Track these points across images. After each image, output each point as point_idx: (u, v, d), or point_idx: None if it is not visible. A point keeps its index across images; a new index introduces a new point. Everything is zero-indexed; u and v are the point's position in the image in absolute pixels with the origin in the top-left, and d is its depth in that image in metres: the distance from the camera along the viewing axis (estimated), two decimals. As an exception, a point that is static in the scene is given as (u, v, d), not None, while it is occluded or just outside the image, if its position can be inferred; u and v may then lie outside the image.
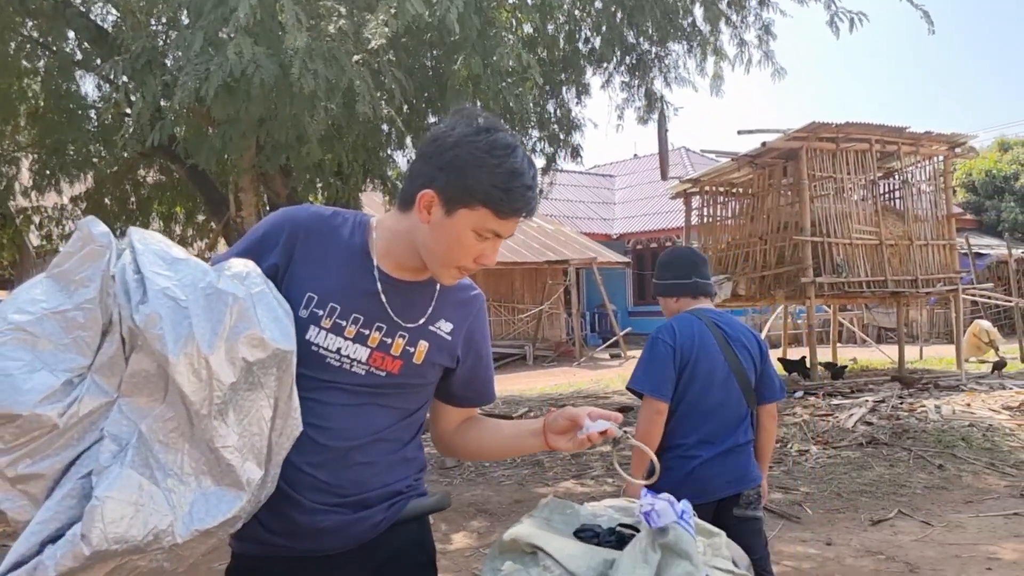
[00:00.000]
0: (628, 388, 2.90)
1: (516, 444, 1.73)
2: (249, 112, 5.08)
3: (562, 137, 8.91)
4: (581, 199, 26.45)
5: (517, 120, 7.01)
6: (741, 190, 13.30)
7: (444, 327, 1.69)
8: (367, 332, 1.61)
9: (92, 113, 8.21)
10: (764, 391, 2.92)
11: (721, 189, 13.46)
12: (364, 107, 4.87)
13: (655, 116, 9.27)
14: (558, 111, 8.73)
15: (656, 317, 23.43)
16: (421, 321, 1.66)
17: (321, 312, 1.58)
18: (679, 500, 1.53)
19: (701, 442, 2.79)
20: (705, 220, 13.66)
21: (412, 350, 1.64)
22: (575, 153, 8.89)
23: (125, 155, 8.78)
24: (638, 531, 1.55)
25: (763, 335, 15.75)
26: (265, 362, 1.36)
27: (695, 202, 14.12)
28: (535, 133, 8.86)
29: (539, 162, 9.13)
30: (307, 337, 1.58)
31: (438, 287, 1.69)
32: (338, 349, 1.59)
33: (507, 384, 13.20)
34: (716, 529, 1.67)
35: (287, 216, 1.65)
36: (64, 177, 8.32)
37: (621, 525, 1.61)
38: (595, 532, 1.59)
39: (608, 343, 19.58)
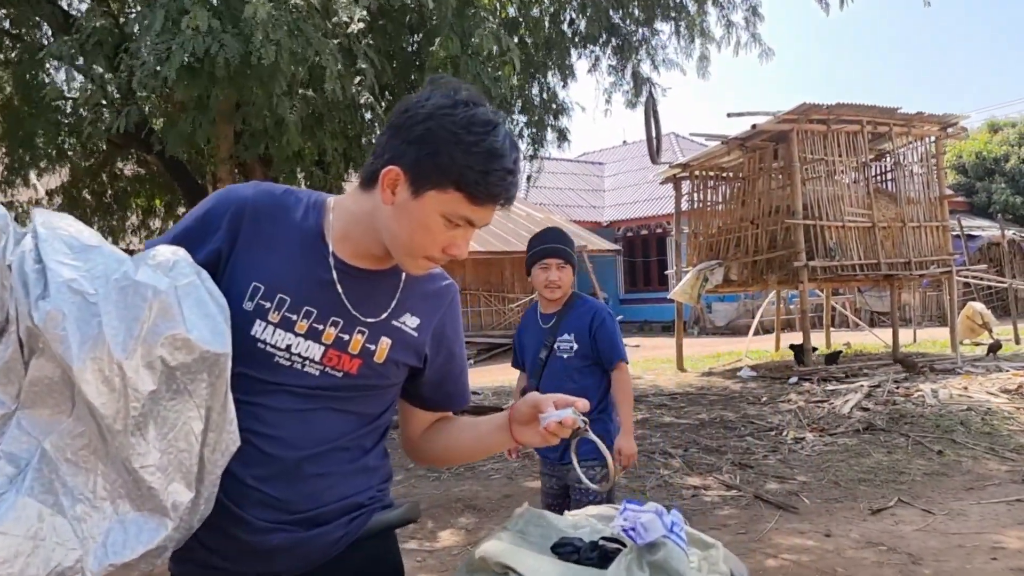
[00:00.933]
0: (619, 361, 3.34)
1: (484, 442, 1.54)
2: (215, 95, 4.86)
3: (548, 121, 8.71)
4: (570, 187, 26.26)
5: (497, 104, 6.81)
6: (731, 174, 13.14)
7: (410, 322, 1.51)
8: (321, 327, 1.42)
9: (61, 103, 7.98)
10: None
11: (711, 173, 13.29)
12: (332, 84, 4.67)
13: (643, 99, 9.09)
14: (543, 94, 8.53)
15: (648, 304, 23.31)
16: (383, 315, 1.48)
17: (268, 304, 1.40)
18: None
19: None
20: (695, 205, 13.49)
21: (373, 348, 1.46)
22: (562, 136, 8.69)
23: (100, 146, 8.55)
24: (623, 545, 1.38)
25: (756, 321, 15.66)
26: (191, 366, 1.18)
27: (685, 187, 13.95)
28: (520, 118, 8.66)
29: (524, 147, 8.94)
30: (252, 333, 1.39)
31: (403, 277, 1.51)
32: (288, 347, 1.41)
33: (498, 375, 13.03)
34: (711, 540, 1.49)
35: (231, 194, 1.46)
36: (34, 170, 8.07)
37: (604, 539, 1.43)
38: (575, 547, 1.41)
39: (600, 331, 19.37)
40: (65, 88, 7.67)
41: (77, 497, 1.13)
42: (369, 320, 1.46)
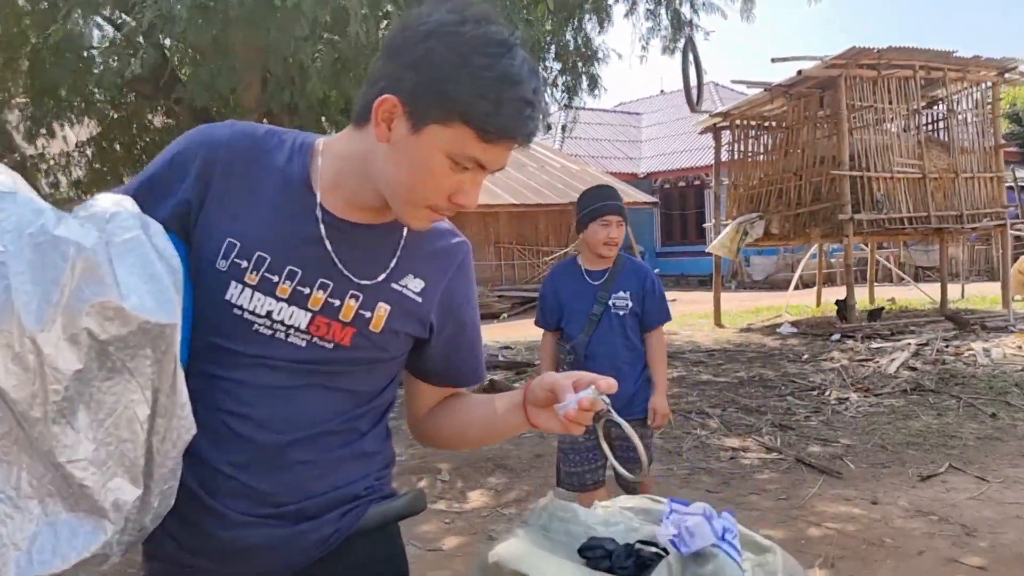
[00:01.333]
0: (662, 324, 3.43)
1: (497, 424, 1.32)
2: (230, 38, 4.62)
3: (583, 68, 8.34)
4: (606, 138, 25.72)
5: (530, 48, 6.48)
6: (774, 123, 12.64)
7: (412, 285, 1.28)
8: (307, 291, 1.21)
9: (86, 54, 7.79)
10: None
11: (753, 122, 12.81)
12: (356, 27, 4.40)
13: (681, 44, 8.67)
14: (577, 39, 8.15)
15: (685, 258, 22.97)
16: (381, 277, 1.25)
17: (245, 264, 1.19)
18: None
19: None
20: (736, 156, 13.03)
21: (368, 315, 1.24)
22: (593, 83, 8.31)
23: (125, 95, 8.38)
24: (664, 551, 1.16)
25: (796, 275, 15.25)
26: (129, 340, 0.96)
27: (725, 137, 13.48)
28: (554, 65, 8.31)
29: (559, 96, 8.60)
30: (227, 297, 1.19)
31: (405, 232, 1.28)
32: (268, 313, 1.19)
33: (532, 329, 12.83)
34: (767, 542, 1.26)
35: (203, 136, 1.24)
36: (57, 122, 7.93)
37: (641, 542, 1.21)
38: (607, 551, 1.19)
39: (635, 285, 19.08)
40: (87, 35, 7.49)
41: (-4, 496, 0.93)
42: (364, 283, 1.24)
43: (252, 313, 1.19)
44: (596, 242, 3.34)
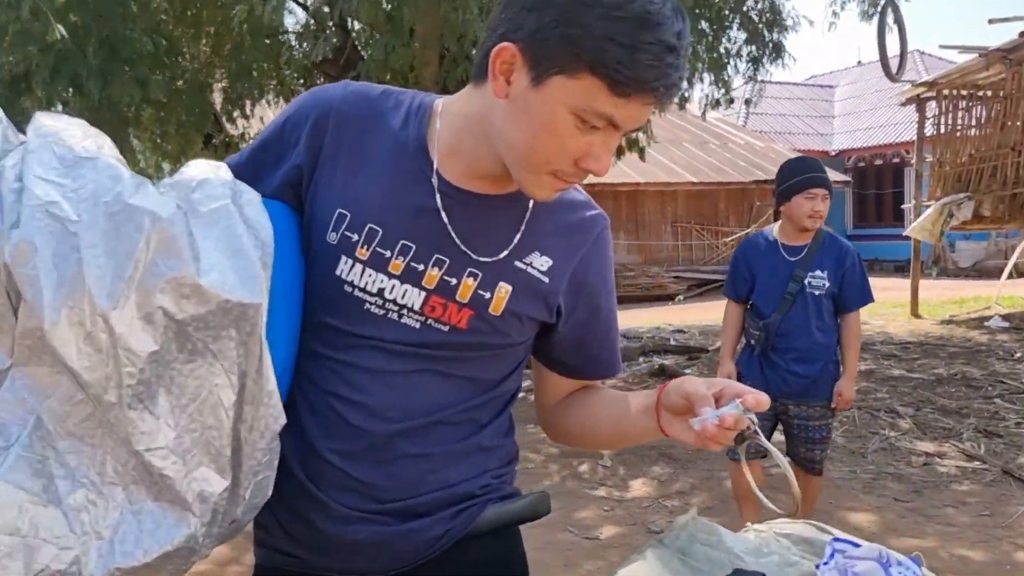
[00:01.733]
0: (860, 306, 3.30)
1: (626, 427, 1.16)
2: (403, 14, 4.63)
3: (769, 37, 7.80)
4: (795, 113, 24.33)
5: (712, 15, 6.12)
6: (989, 93, 11.37)
7: (538, 263, 1.14)
8: (421, 268, 1.10)
9: (282, 38, 8.18)
10: None
11: (964, 92, 11.58)
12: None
13: (880, 6, 7.92)
14: (763, 4, 7.63)
15: (879, 241, 21.42)
16: (502, 254, 1.12)
17: (355, 237, 1.09)
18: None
19: None
20: (942, 130, 11.85)
21: (487, 295, 1.11)
22: (779, 52, 7.74)
23: (312, 76, 8.75)
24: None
25: (1011, 263, 13.76)
26: (208, 319, 0.88)
27: (930, 110, 12.29)
28: (738, 35, 7.84)
29: (743, 68, 8.12)
30: (337, 272, 1.10)
31: (531, 205, 1.14)
32: (380, 291, 1.10)
33: (709, 312, 12.36)
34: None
35: (315, 98, 1.16)
36: (251, 101, 8.41)
37: (799, 581, 1.00)
38: (756, 588, 1.00)
39: (822, 270, 17.96)
40: (279, 18, 7.86)
41: (78, 480, 0.88)
42: (483, 260, 1.11)
43: (363, 291, 1.10)
44: (801, 215, 3.21)
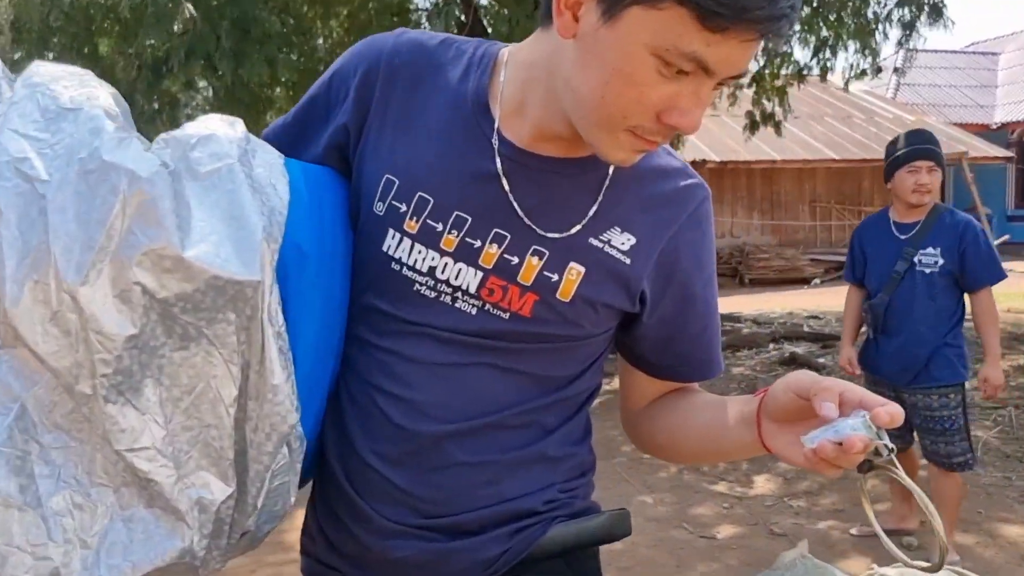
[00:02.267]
0: (989, 285, 3.01)
1: (720, 440, 0.96)
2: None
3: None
4: (951, 83, 22.55)
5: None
6: None
7: (618, 241, 0.96)
8: (477, 244, 0.94)
9: (411, 15, 8.18)
10: None
11: None
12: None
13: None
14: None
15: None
16: (574, 229, 0.95)
17: (404, 207, 0.95)
18: None
19: None
20: None
21: (555, 278, 0.94)
22: (936, 13, 7.06)
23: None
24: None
25: None
26: (196, 299, 0.75)
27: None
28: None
29: (894, 34, 7.48)
30: (384, 248, 0.96)
31: (610, 171, 0.96)
32: (431, 270, 0.95)
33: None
34: None
35: (366, 48, 1.01)
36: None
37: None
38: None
39: (978, 253, 16.60)
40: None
41: (63, 480, 0.77)
42: (551, 235, 0.94)
43: (412, 269, 0.95)
44: (905, 190, 3.08)
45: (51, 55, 7.26)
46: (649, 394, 1.09)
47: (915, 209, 3.11)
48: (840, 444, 0.72)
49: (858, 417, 0.71)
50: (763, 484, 4.47)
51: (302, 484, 1.02)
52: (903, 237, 3.14)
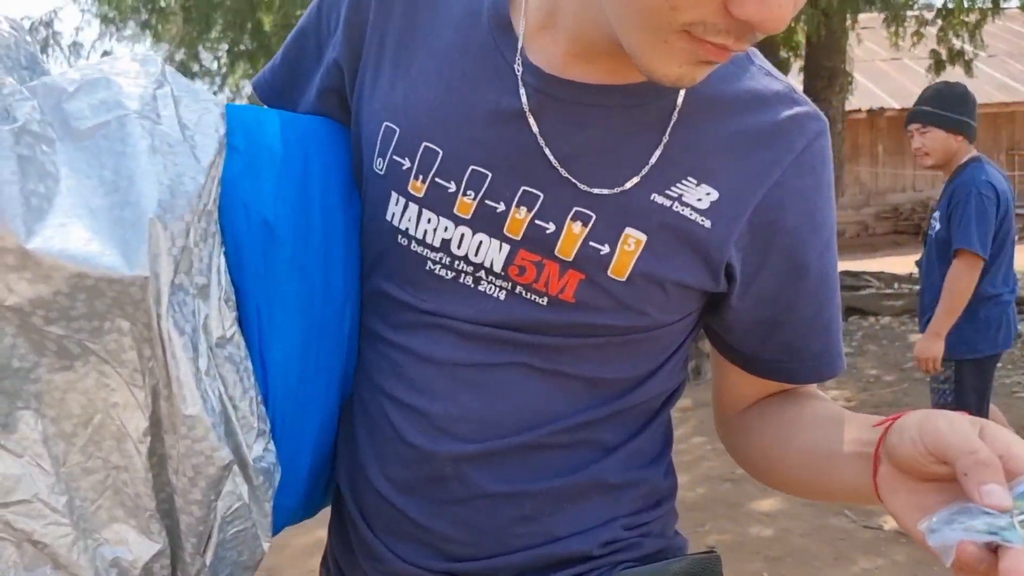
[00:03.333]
0: (960, 248, 2.83)
1: (824, 472, 0.72)
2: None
3: None
4: None
5: None
6: None
7: (694, 197, 0.71)
8: (501, 207, 0.72)
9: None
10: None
11: None
12: None
13: None
14: None
15: None
16: (630, 183, 0.70)
17: (407, 163, 0.74)
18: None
19: (1011, 291, 2.98)
20: None
21: (604, 250, 0.71)
22: None
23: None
24: None
25: None
26: (63, 306, 0.58)
27: None
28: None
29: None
30: (388, 216, 0.76)
31: (679, 100, 0.71)
32: (445, 243, 0.73)
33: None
34: None
35: None
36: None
37: None
38: None
39: None
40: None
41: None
42: (597, 192, 0.70)
43: (422, 243, 0.74)
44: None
45: (215, 32, 7.57)
46: (747, 395, 0.83)
47: (941, 170, 3.04)
48: (994, 550, 0.48)
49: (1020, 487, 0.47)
50: (941, 468, 4.01)
51: (318, 510, 0.86)
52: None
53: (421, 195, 0.73)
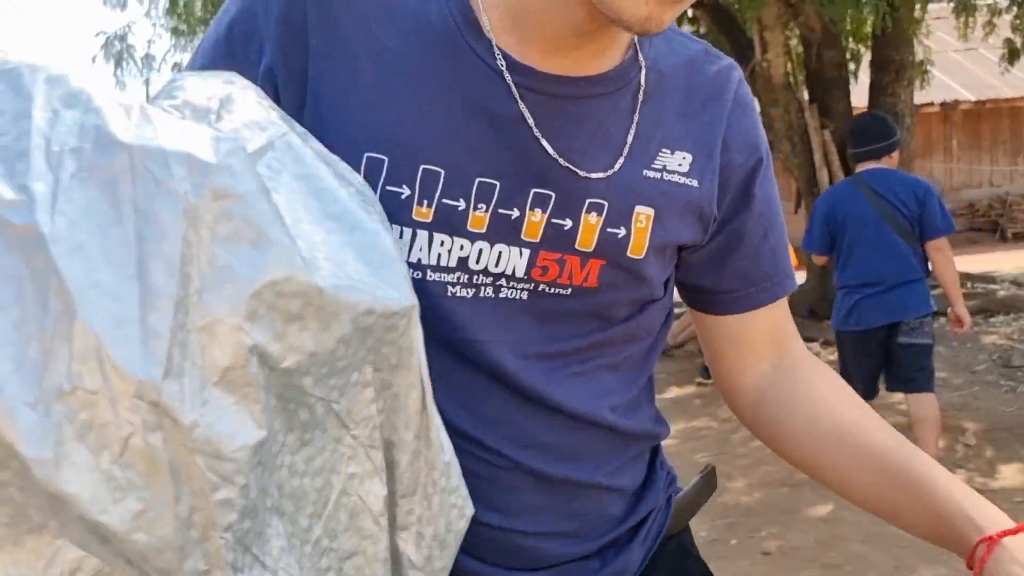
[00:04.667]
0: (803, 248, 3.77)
1: (896, 504, 0.83)
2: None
3: None
4: None
5: None
6: None
7: (675, 163, 0.77)
8: (515, 214, 0.72)
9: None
10: (923, 230, 3.43)
11: None
12: None
13: None
14: None
15: None
16: (619, 163, 0.74)
17: (406, 191, 0.70)
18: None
19: (862, 284, 3.46)
20: None
21: (621, 233, 0.75)
22: None
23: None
24: None
25: None
26: (337, 357, 0.52)
27: None
28: None
29: None
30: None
31: (642, 80, 0.76)
32: (463, 261, 0.72)
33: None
34: None
35: None
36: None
37: None
38: None
39: None
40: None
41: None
42: (597, 175, 0.74)
43: (440, 268, 0.72)
44: None
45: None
46: (756, 358, 0.88)
47: None
48: None
49: None
50: (1012, 475, 3.96)
51: None
52: None
53: (429, 220, 0.71)
